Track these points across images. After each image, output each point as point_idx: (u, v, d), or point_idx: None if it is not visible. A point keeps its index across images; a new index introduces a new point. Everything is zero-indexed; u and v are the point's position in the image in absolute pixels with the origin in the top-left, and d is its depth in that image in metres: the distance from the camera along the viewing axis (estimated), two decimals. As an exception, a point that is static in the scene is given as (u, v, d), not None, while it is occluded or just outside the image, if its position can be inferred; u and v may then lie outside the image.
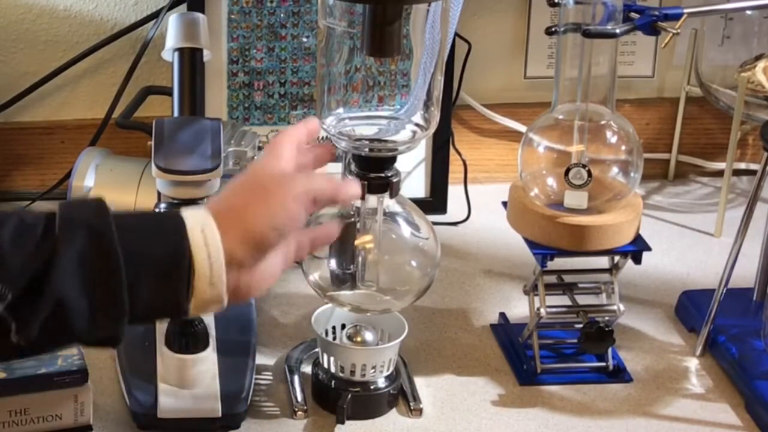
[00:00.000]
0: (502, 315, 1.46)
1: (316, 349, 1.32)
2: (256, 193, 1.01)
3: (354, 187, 1.10)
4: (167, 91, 1.45)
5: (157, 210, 1.05)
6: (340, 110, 1.25)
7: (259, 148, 1.45)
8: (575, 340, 1.36)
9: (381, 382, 1.29)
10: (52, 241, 0.90)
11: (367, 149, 1.23)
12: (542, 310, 1.33)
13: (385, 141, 1.24)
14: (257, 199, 1.00)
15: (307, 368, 1.34)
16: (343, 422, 1.27)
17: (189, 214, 0.96)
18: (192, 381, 1.25)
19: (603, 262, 1.38)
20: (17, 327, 0.89)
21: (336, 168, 1.38)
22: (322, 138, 1.44)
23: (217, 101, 1.66)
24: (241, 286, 0.99)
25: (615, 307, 1.36)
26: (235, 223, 0.97)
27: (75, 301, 0.90)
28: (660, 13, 1.33)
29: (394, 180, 1.24)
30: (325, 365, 1.30)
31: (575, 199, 1.31)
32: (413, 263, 1.29)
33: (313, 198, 1.03)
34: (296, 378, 1.33)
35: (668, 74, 1.83)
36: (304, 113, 1.67)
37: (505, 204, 1.38)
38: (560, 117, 1.33)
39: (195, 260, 0.94)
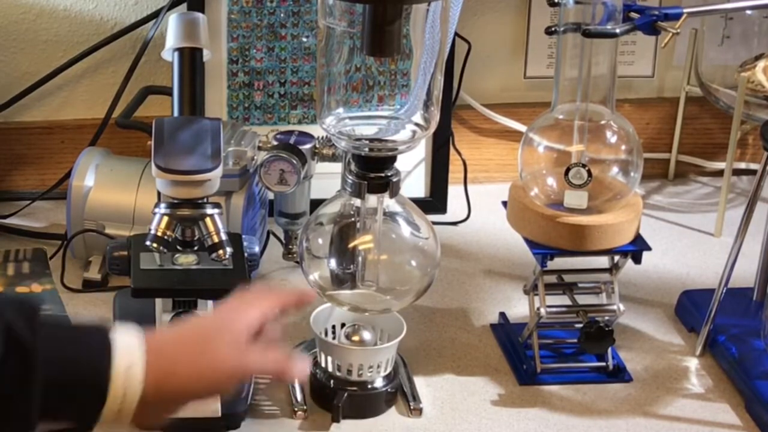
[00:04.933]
0: (502, 315, 1.46)
1: (316, 349, 1.32)
2: (201, 354, 0.97)
3: (300, 368, 1.03)
4: (167, 91, 1.45)
5: (91, 326, 0.99)
6: (340, 110, 1.25)
7: (260, 148, 1.45)
8: (575, 340, 1.36)
9: (378, 382, 1.29)
10: None
11: (367, 149, 1.23)
12: (542, 310, 1.33)
13: (385, 141, 1.24)
14: (198, 362, 0.97)
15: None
16: (338, 421, 1.27)
17: (121, 348, 0.93)
18: (192, 381, 1.24)
19: (603, 262, 1.38)
20: None
21: (336, 168, 1.38)
22: (323, 138, 1.44)
23: (217, 101, 1.66)
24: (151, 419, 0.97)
25: (615, 307, 1.36)
26: (163, 377, 0.94)
27: None
28: (660, 13, 1.33)
29: (394, 180, 1.24)
30: (323, 365, 1.30)
31: (575, 198, 1.31)
32: (413, 263, 1.28)
33: (255, 371, 1.03)
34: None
35: (668, 74, 1.83)
36: (304, 113, 1.67)
37: (505, 204, 1.38)
38: (560, 117, 1.33)
39: (108, 397, 0.92)
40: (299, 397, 1.30)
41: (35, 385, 0.90)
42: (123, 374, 0.92)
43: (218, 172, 1.25)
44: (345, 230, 1.28)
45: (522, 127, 1.75)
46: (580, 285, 1.40)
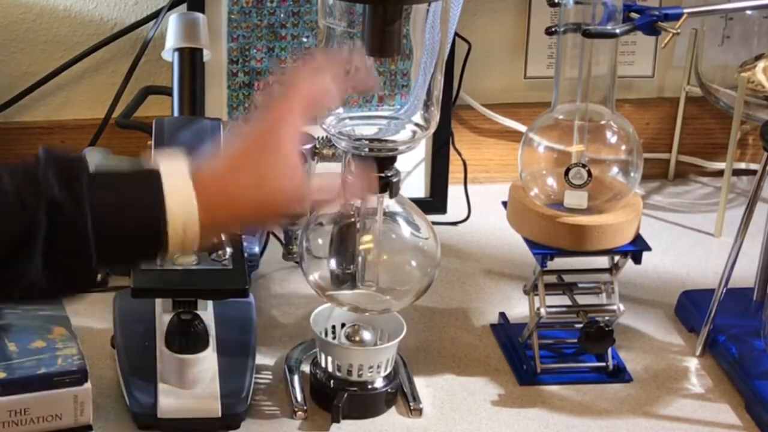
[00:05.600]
0: (502, 315, 1.46)
1: (316, 349, 1.32)
2: (257, 185, 0.99)
3: (360, 187, 1.09)
4: (167, 91, 1.45)
5: (140, 176, 0.99)
6: (340, 110, 1.25)
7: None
8: (575, 340, 1.36)
9: (378, 382, 1.29)
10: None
11: (367, 149, 1.23)
12: (542, 310, 1.33)
13: (385, 141, 1.24)
14: (255, 191, 0.99)
15: (307, 368, 1.34)
16: (338, 421, 1.27)
17: (174, 197, 0.94)
18: (192, 381, 1.25)
19: (603, 262, 1.38)
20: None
21: (336, 168, 1.38)
22: (323, 138, 1.44)
23: (217, 101, 1.66)
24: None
25: (615, 307, 1.36)
26: (220, 208, 0.97)
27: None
28: (660, 13, 1.33)
29: (394, 180, 1.24)
30: (323, 364, 1.30)
31: (575, 199, 1.31)
32: (413, 263, 1.29)
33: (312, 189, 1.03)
34: (296, 378, 1.33)
35: (668, 74, 1.83)
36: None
37: (505, 204, 1.38)
38: (560, 117, 1.33)
39: (169, 237, 0.95)
40: (299, 397, 1.30)
41: (89, 254, 0.92)
42: (179, 227, 0.94)
43: (218, 172, 1.25)
44: (345, 230, 1.28)
45: (522, 127, 1.75)
46: (580, 285, 1.40)
